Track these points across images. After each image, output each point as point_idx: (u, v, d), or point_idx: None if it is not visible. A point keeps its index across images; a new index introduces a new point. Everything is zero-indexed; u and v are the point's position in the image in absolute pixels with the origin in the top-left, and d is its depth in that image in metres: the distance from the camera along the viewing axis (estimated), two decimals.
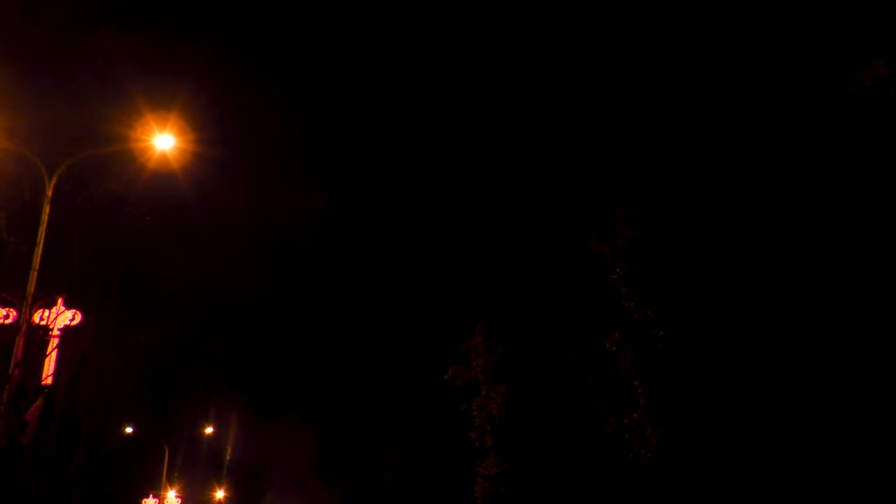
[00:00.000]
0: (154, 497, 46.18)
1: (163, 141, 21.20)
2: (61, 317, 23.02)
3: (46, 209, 19.49)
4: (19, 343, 18.33)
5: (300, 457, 59.75)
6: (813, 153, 24.76)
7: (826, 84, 22.01)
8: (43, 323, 21.70)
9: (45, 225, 19.23)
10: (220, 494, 59.58)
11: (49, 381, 22.52)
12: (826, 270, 24.67)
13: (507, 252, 43.04)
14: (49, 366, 22.72)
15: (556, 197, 38.33)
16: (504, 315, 40.60)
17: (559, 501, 37.45)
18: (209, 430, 56.28)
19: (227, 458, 60.39)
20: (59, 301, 22.64)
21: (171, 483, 48.00)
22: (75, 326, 23.74)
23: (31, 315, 18.94)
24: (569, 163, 37.83)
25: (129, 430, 41.56)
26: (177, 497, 49.93)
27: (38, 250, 18.93)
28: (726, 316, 25.69)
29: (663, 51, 30.44)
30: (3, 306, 21.67)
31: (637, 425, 26.54)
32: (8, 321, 20.91)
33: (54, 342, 22.90)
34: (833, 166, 24.26)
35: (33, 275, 18.72)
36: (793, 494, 24.92)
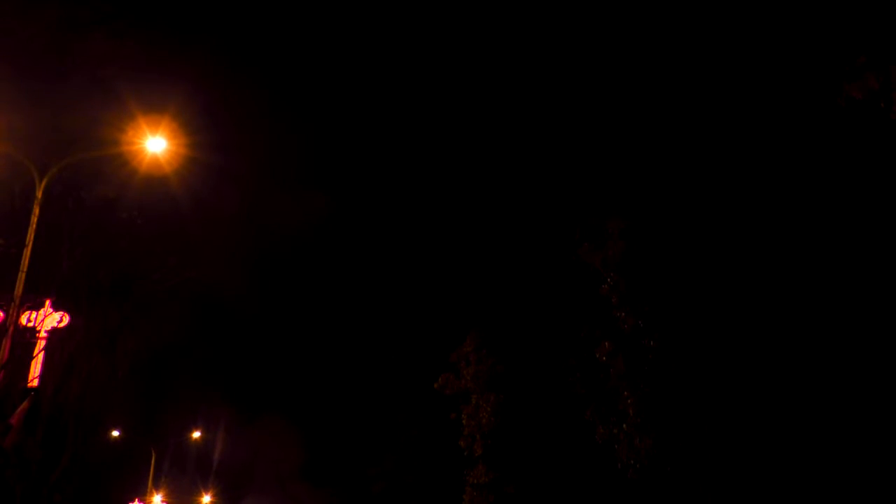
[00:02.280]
0: (140, 502, 45.90)
1: (154, 144, 21.15)
2: (49, 319, 22.90)
3: (36, 211, 19.40)
4: (6, 345, 18.19)
5: (288, 464, 59.57)
6: (804, 166, 24.89)
7: (817, 97, 22.14)
8: (30, 325, 21.57)
9: (34, 227, 19.14)
10: (206, 500, 59.26)
11: (35, 383, 22.38)
12: (817, 282, 24.76)
13: (498, 261, 43.09)
14: (35, 368, 22.57)
15: (547, 207, 38.42)
16: (495, 324, 40.58)
17: None
18: (196, 434, 56.02)
19: (214, 463, 60.13)
20: (47, 303, 22.52)
21: (157, 488, 47.70)
22: (63, 329, 23.61)
23: (17, 317, 18.80)
24: (561, 173, 37.94)
25: (115, 433, 41.31)
26: (163, 502, 49.65)
27: (27, 252, 18.83)
28: (717, 326, 25.74)
29: (656, 64, 30.59)
30: None
31: (627, 436, 26.52)
32: None
33: (41, 344, 22.77)
34: (824, 179, 24.39)
35: (21, 276, 18.60)
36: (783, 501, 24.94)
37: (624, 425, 26.65)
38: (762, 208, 25.89)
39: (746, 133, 26.33)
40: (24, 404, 21.34)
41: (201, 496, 59.20)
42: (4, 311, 19.51)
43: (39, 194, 19.57)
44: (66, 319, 23.65)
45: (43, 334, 22.89)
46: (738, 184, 26.38)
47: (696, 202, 27.22)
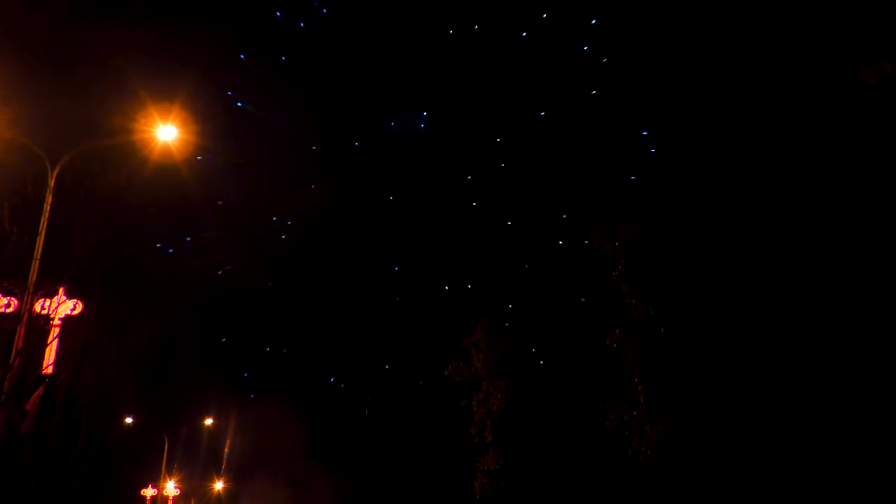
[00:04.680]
0: (154, 487, 46.31)
1: (165, 132, 21.21)
2: (62, 306, 23.04)
3: (49, 200, 19.50)
4: (20, 332, 18.31)
5: (299, 450, 59.90)
6: (816, 150, 24.72)
7: (831, 82, 21.97)
8: (44, 312, 21.69)
9: (47, 215, 19.24)
10: (219, 486, 59.71)
11: (50, 370, 22.57)
12: (828, 266, 24.64)
13: (508, 248, 43.10)
14: (50, 355, 22.75)
15: (557, 193, 38.35)
16: (505, 311, 40.62)
17: (559, 498, 37.50)
18: (209, 421, 56.39)
19: (226, 449, 60.52)
20: (61, 291, 22.65)
21: (170, 474, 48.09)
22: (76, 316, 23.78)
23: (32, 304, 18.93)
24: (571, 160, 37.83)
25: (129, 420, 41.67)
26: (176, 488, 50.06)
27: (40, 240, 18.94)
28: (727, 314, 25.67)
29: (668, 49, 30.39)
30: (5, 295, 21.70)
31: (637, 422, 26.55)
32: (9, 310, 20.94)
33: (55, 331, 22.92)
34: (836, 163, 24.23)
35: (35, 264, 18.71)
36: (792, 491, 24.94)
37: (634, 412, 26.67)
38: (774, 193, 25.75)
39: (759, 119, 26.16)
40: (39, 391, 21.53)
41: (214, 481, 59.66)
42: (19, 299, 19.65)
43: (52, 183, 19.67)
44: (80, 307, 23.81)
45: (57, 322, 23.04)
46: (749, 169, 26.23)
47: (707, 188, 27.10)
